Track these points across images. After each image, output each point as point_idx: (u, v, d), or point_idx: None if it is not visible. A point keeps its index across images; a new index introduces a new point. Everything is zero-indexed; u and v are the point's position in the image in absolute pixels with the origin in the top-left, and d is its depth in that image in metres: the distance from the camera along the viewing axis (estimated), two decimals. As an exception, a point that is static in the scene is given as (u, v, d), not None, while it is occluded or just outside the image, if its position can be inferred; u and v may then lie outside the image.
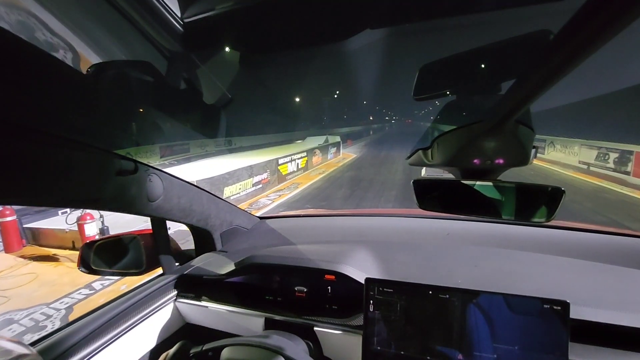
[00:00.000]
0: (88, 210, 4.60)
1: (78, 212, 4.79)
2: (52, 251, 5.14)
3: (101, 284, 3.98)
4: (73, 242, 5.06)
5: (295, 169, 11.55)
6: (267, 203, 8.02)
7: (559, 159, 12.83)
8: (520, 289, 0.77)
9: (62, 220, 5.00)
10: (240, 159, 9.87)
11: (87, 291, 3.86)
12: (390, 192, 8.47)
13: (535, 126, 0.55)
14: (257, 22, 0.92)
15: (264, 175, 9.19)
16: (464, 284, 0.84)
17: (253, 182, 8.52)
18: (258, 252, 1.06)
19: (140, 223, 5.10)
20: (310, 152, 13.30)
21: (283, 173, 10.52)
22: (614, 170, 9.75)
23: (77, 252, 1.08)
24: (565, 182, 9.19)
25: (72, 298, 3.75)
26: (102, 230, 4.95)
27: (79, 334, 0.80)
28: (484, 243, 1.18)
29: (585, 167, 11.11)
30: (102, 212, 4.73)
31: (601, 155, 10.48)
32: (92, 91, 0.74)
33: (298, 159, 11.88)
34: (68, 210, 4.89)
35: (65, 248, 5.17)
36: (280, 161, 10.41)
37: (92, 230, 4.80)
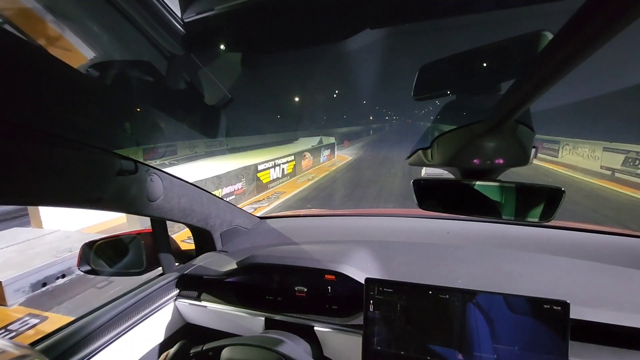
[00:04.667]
0: None
1: None
2: None
3: None
4: None
5: (280, 175, 10.17)
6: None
7: (576, 163, 11.53)
8: (520, 289, 0.77)
9: None
10: (222, 162, 8.87)
11: None
12: (386, 205, 7.45)
13: (536, 126, 0.56)
14: (257, 22, 0.92)
15: (238, 185, 7.89)
16: (464, 284, 0.84)
17: (222, 193, 7.30)
18: (258, 252, 1.06)
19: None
20: (299, 155, 11.83)
21: (264, 181, 9.12)
22: (649, 178, 8.46)
23: None
24: (596, 194, 7.95)
25: None
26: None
27: (79, 334, 0.80)
28: (484, 243, 1.18)
29: (609, 173, 9.85)
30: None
31: (630, 160, 9.18)
32: (92, 91, 0.74)
33: (283, 163, 10.43)
34: None
35: None
36: (261, 167, 8.97)
37: None
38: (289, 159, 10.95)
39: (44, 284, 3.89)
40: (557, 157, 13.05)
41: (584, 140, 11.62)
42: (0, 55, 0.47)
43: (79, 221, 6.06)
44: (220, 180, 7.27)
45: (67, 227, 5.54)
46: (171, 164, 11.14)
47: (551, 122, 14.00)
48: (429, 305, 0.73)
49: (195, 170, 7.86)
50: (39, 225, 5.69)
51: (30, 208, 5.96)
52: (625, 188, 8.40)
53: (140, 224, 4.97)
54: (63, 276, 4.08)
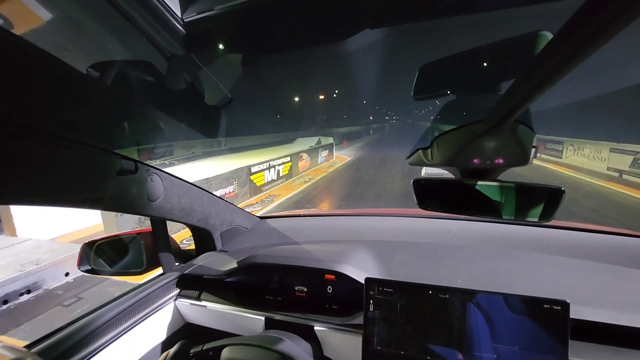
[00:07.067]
0: None
1: None
2: None
3: None
4: None
5: (275, 178, 9.89)
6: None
7: (582, 164, 11.16)
8: (520, 288, 0.77)
9: None
10: (217, 163, 8.54)
11: None
12: (385, 208, 7.11)
13: (536, 126, 0.56)
14: (257, 22, 0.92)
15: (229, 189, 7.63)
16: (464, 284, 0.84)
17: (211, 197, 7.21)
18: (258, 252, 1.06)
19: None
20: (295, 156, 11.57)
21: (257, 184, 8.86)
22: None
23: None
24: (607, 198, 7.59)
25: None
26: None
27: (79, 334, 0.80)
28: (484, 243, 1.18)
29: (616, 174, 9.56)
30: None
31: (639, 161, 8.93)
32: (92, 91, 0.74)
33: (279, 165, 10.11)
34: None
35: None
36: (254, 169, 8.68)
37: None
38: (284, 160, 10.64)
39: (5, 302, 3.50)
40: (560, 157, 12.73)
41: (588, 141, 11.27)
42: (0, 55, 0.47)
43: (55, 229, 5.58)
44: (210, 183, 6.95)
45: (41, 236, 5.12)
46: (171, 164, 11.03)
47: (551, 122, 13.91)
48: (429, 305, 0.73)
49: (186, 172, 7.49)
50: (13, 232, 5.23)
51: (3, 214, 5.47)
52: (630, 190, 8.19)
53: (117, 230, 4.78)
54: (28, 292, 3.60)
